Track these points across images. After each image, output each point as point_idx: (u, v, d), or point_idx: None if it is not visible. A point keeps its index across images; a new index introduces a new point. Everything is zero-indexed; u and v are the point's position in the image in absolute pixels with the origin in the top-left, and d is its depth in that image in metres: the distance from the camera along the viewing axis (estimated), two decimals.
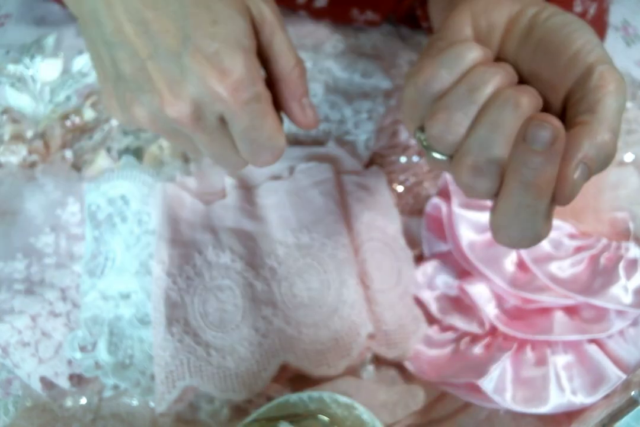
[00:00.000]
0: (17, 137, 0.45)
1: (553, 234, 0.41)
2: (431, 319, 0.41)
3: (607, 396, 0.35)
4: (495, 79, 0.24)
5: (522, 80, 0.26)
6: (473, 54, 0.25)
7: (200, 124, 0.28)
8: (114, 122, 0.47)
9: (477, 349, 0.38)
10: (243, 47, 0.27)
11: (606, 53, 0.24)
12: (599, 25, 0.47)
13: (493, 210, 0.24)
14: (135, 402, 0.37)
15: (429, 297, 0.41)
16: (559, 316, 0.37)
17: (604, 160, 0.23)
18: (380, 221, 0.42)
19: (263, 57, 0.30)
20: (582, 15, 0.43)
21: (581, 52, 0.24)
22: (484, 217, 0.41)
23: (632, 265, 0.38)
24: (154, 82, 0.27)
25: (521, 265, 0.40)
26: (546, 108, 0.25)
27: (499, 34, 0.27)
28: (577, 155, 0.22)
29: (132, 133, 0.46)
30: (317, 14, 0.52)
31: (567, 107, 0.25)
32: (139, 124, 0.29)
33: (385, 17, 0.52)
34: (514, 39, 0.26)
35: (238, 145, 0.29)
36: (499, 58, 0.27)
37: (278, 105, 0.31)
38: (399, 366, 0.40)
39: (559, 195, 0.23)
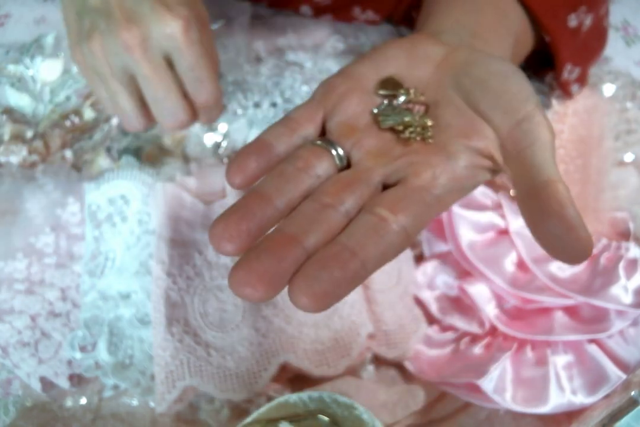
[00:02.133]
0: (17, 137, 0.45)
1: None
2: (431, 319, 0.41)
3: (607, 396, 0.35)
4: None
5: (458, 105, 0.27)
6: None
7: (147, 54, 0.33)
8: (114, 122, 0.47)
9: (477, 349, 0.38)
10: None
11: (539, 100, 0.26)
12: (598, 32, 0.47)
13: None
14: (135, 402, 0.37)
15: (429, 297, 0.41)
16: (559, 316, 0.37)
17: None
18: None
19: None
20: (578, 28, 0.42)
21: (518, 98, 0.25)
22: (484, 217, 0.41)
23: (632, 265, 0.38)
24: (114, 12, 0.32)
25: (521, 265, 0.40)
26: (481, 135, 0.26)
27: (433, 64, 0.28)
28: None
29: (132, 133, 0.46)
30: (319, 10, 0.52)
31: (503, 140, 0.26)
32: (92, 58, 0.34)
33: (385, 16, 0.53)
34: (449, 71, 0.28)
35: (185, 83, 0.35)
36: (432, 85, 0.28)
37: None
38: (399, 366, 0.39)
39: None
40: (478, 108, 0.26)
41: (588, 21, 0.43)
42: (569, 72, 0.45)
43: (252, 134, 0.46)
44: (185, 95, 0.35)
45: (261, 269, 0.20)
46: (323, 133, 0.27)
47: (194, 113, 0.36)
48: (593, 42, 0.47)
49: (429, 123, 0.26)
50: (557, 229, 0.22)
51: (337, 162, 0.25)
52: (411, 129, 0.26)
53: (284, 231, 0.22)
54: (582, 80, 0.46)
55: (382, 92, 0.28)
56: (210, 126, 0.47)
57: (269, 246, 0.21)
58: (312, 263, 0.21)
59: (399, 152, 0.26)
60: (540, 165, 0.24)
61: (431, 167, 0.25)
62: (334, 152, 0.25)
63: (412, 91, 0.27)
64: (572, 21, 0.42)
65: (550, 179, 0.23)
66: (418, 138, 0.26)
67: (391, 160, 0.25)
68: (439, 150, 0.26)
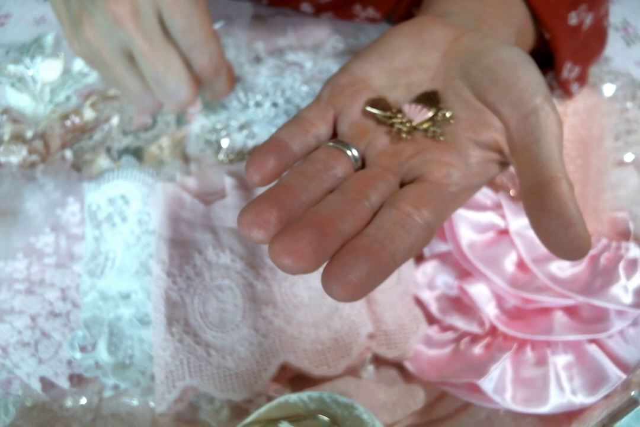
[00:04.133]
0: (17, 137, 0.45)
1: None
2: (431, 319, 0.41)
3: (607, 396, 0.35)
4: None
5: (465, 97, 0.27)
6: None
7: (140, 24, 0.30)
8: (114, 122, 0.47)
9: (477, 349, 0.38)
10: None
11: (548, 91, 0.25)
12: (598, 31, 0.47)
13: None
14: (135, 402, 0.37)
15: (429, 297, 0.41)
16: (559, 316, 0.37)
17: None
18: None
19: None
20: (578, 26, 0.42)
21: (527, 90, 0.25)
22: (484, 217, 0.41)
23: (632, 265, 0.38)
24: None
25: (521, 265, 0.40)
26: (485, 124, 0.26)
27: (440, 51, 0.28)
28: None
29: (132, 133, 0.46)
30: (320, 8, 0.52)
31: (511, 133, 0.25)
32: (88, 45, 0.32)
33: (386, 14, 0.53)
34: (457, 59, 0.27)
35: (183, 51, 0.31)
36: (440, 74, 0.28)
37: None
38: (399, 366, 0.39)
39: None
40: (486, 100, 0.26)
41: (588, 20, 0.43)
42: (568, 70, 0.45)
43: (253, 133, 0.46)
44: (190, 70, 0.32)
45: (307, 239, 0.20)
46: (334, 132, 0.28)
47: (198, 89, 0.34)
48: (593, 42, 0.47)
49: (439, 130, 0.27)
50: (555, 226, 0.22)
51: (353, 162, 0.26)
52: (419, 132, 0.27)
53: (321, 212, 0.22)
54: (582, 79, 0.46)
55: (369, 109, 0.27)
56: (211, 126, 0.47)
57: (311, 220, 0.21)
58: (346, 252, 0.21)
59: (411, 151, 0.26)
60: (546, 161, 0.23)
61: (445, 166, 0.25)
62: (349, 153, 0.26)
63: (399, 116, 0.27)
64: (573, 19, 0.42)
65: (554, 176, 0.23)
66: (429, 137, 0.27)
67: (405, 160, 0.26)
68: (449, 147, 0.26)
